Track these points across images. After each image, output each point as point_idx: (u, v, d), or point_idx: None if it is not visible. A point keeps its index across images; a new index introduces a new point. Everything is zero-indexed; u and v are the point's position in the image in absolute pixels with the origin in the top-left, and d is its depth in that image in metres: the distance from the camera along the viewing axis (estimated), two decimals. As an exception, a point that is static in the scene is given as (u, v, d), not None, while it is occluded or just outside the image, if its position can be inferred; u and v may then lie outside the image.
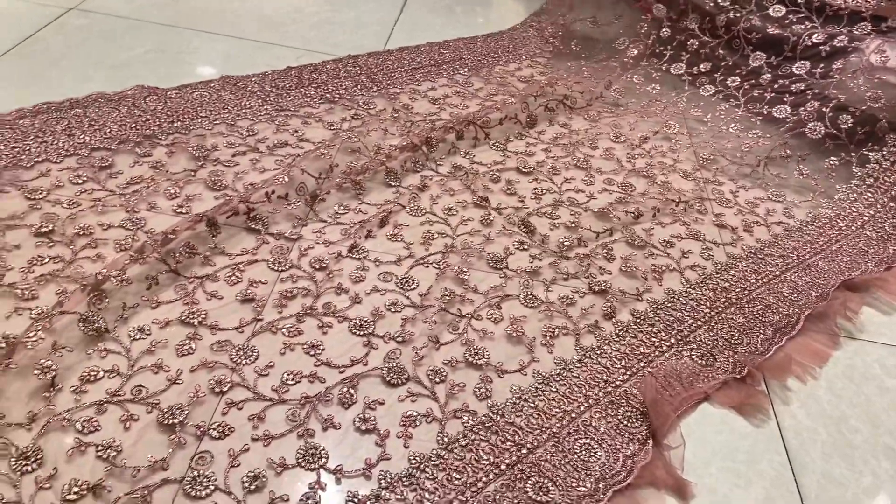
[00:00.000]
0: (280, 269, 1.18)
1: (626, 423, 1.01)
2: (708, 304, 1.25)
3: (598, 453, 0.96)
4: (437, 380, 1.03)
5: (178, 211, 1.29)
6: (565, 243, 1.32)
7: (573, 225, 1.38)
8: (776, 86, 1.77)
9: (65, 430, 0.90)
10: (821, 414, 1.10)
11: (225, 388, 0.97)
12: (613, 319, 1.19)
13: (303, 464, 0.90)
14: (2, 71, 1.62)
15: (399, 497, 0.88)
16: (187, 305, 1.09)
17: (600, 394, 1.05)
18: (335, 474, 0.90)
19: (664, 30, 1.94)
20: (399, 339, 1.07)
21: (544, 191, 1.48)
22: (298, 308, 1.11)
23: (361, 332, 1.08)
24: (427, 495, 0.88)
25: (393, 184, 1.42)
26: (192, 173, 1.38)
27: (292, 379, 1.00)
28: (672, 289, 1.28)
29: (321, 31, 2.03)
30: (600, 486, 0.92)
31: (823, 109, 1.65)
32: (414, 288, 1.18)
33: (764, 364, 1.15)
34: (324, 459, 0.91)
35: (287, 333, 1.07)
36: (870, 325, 1.28)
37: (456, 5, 2.33)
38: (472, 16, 2.28)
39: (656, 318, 1.20)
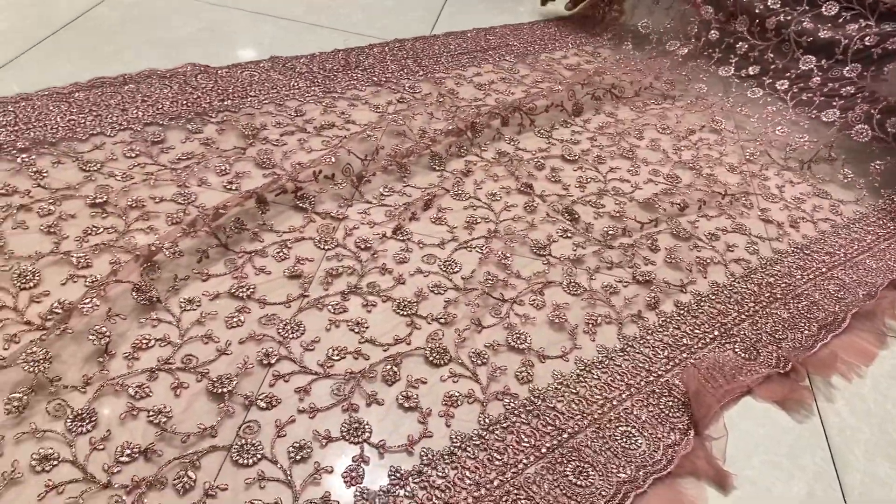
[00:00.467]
0: (326, 247, 1.20)
1: (667, 412, 1.01)
2: (752, 298, 1.24)
3: (639, 441, 0.96)
4: (479, 362, 1.04)
5: (227, 187, 1.31)
6: (609, 232, 1.32)
7: (618, 214, 1.38)
8: (826, 89, 1.73)
9: (118, 394, 0.93)
10: (865, 413, 1.09)
11: (272, 361, 1.00)
12: (657, 310, 1.19)
13: (347, 437, 0.92)
14: (58, 45, 1.66)
15: (441, 474, 0.89)
16: (236, 279, 1.11)
17: (642, 382, 1.05)
18: (378, 449, 0.92)
19: (712, 32, 1.92)
20: (442, 320, 1.08)
21: (589, 179, 1.48)
22: (344, 286, 1.13)
23: (405, 312, 1.10)
24: (468, 473, 0.90)
25: (437, 168, 1.44)
26: (242, 151, 1.41)
27: (337, 354, 1.02)
28: (716, 281, 1.27)
29: (368, 14, 2.04)
30: (640, 473, 0.92)
31: (872, 112, 1.62)
32: (457, 271, 1.19)
33: (808, 360, 1.14)
34: (367, 434, 0.93)
35: (332, 310, 1.08)
36: (918, 325, 1.27)
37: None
38: (518, 3, 2.28)
39: (700, 311, 1.20)
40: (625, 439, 0.96)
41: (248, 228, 1.21)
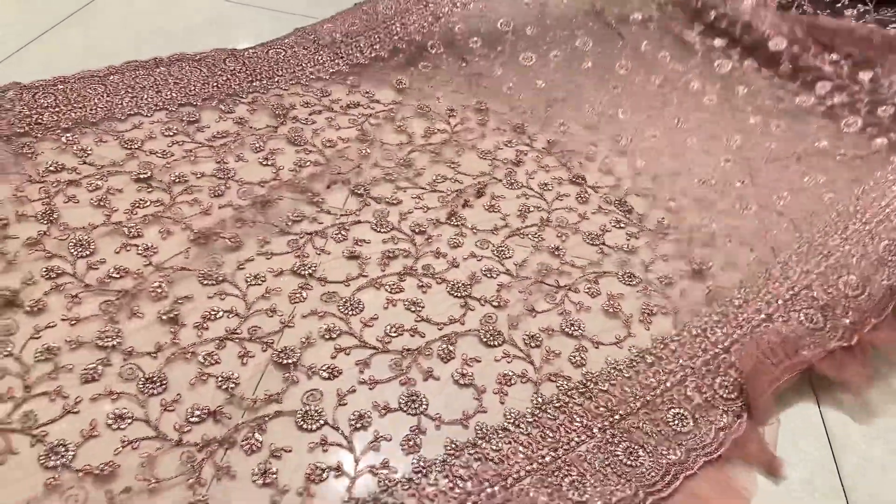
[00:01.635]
0: (382, 230, 1.35)
1: (721, 394, 1.14)
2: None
3: (690, 423, 1.10)
4: (533, 345, 1.19)
5: (263, 163, 1.46)
6: (665, 223, 1.46)
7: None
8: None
9: (188, 361, 1.07)
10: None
11: (334, 335, 1.14)
12: (716, 303, 1.29)
13: (405, 409, 1.07)
14: (60, 38, 1.79)
15: (494, 448, 1.03)
16: (298, 258, 1.26)
17: (698, 362, 1.18)
18: (435, 421, 1.06)
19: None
20: (495, 304, 1.23)
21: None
22: (399, 268, 1.28)
23: (459, 294, 1.25)
24: (521, 448, 1.03)
25: (485, 158, 1.58)
26: (274, 129, 1.56)
27: (395, 331, 1.17)
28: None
29: None
30: (691, 455, 1.06)
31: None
32: (510, 257, 1.35)
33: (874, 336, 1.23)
34: (424, 406, 1.07)
35: (389, 290, 1.23)
36: None
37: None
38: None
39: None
40: (676, 421, 1.10)
41: (307, 217, 1.36)
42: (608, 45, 1.87)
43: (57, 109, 1.49)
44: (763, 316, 1.26)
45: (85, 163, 1.39)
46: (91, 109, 1.51)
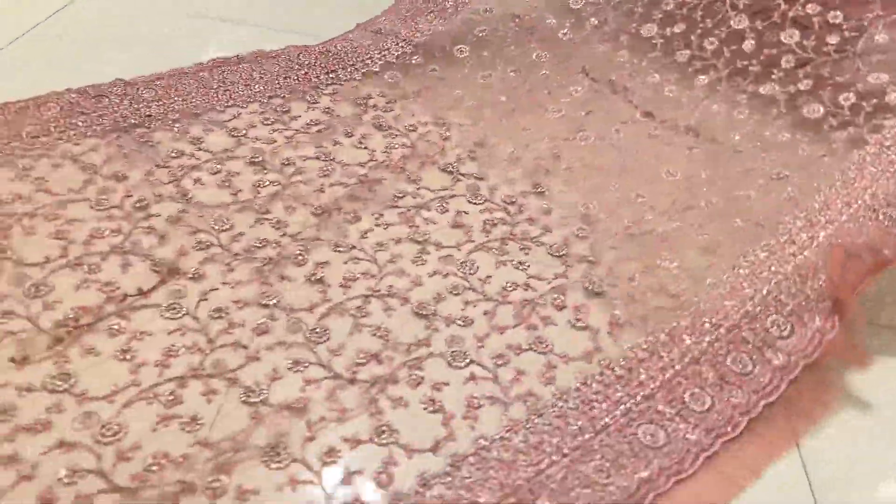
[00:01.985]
0: (477, 202, 1.51)
1: (812, 297, 1.24)
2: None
3: (788, 329, 1.21)
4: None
5: (357, 146, 1.62)
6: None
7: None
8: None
9: (342, 315, 1.23)
10: None
11: (459, 292, 1.30)
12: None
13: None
14: (15, 56, 1.83)
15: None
16: (411, 228, 1.42)
17: (788, 268, 1.30)
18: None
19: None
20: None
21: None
22: (500, 234, 1.44)
23: (558, 254, 1.41)
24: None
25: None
26: (359, 117, 1.71)
27: (510, 286, 1.33)
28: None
29: (344, 16, 2.11)
30: (791, 359, 1.18)
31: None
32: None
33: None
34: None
35: (497, 253, 1.39)
36: None
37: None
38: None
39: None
40: (775, 328, 1.22)
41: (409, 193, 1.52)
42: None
43: (161, 102, 1.62)
44: (845, 217, 1.35)
45: (200, 149, 1.53)
46: (192, 102, 1.64)
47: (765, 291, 1.29)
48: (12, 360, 1.07)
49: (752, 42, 1.76)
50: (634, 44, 1.91)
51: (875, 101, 1.58)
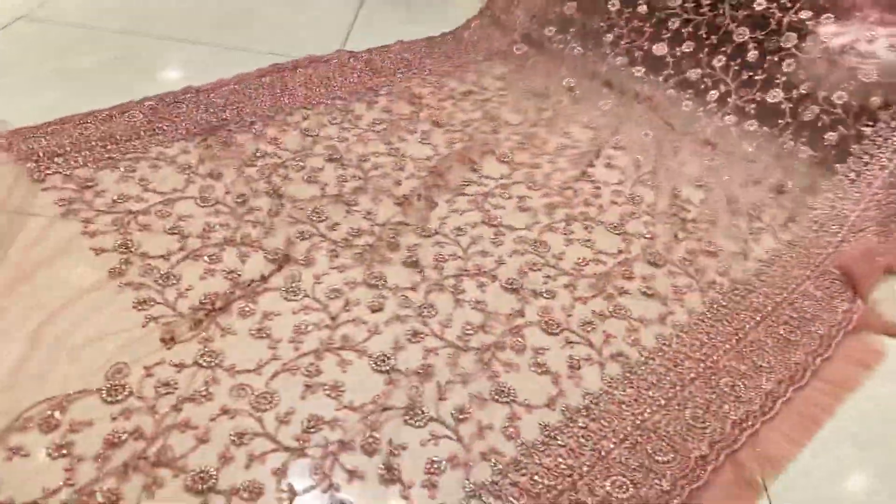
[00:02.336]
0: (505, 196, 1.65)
1: (835, 287, 1.47)
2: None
3: (819, 312, 1.41)
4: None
5: (420, 142, 1.75)
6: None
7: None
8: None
9: (442, 291, 1.36)
10: None
11: (539, 268, 1.44)
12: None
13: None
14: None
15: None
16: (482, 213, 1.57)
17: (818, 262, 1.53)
18: None
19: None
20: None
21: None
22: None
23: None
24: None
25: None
26: (416, 114, 1.84)
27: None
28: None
29: (285, 31, 2.20)
30: (832, 330, 1.37)
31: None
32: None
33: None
34: None
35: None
36: None
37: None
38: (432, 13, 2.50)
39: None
40: (808, 310, 1.41)
41: (474, 181, 1.66)
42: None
43: (234, 107, 1.74)
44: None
45: (280, 148, 1.65)
46: (261, 105, 1.76)
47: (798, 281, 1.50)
48: (162, 340, 1.17)
49: (756, 52, 1.92)
50: (648, 60, 2.08)
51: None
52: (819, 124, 1.80)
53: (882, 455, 1.18)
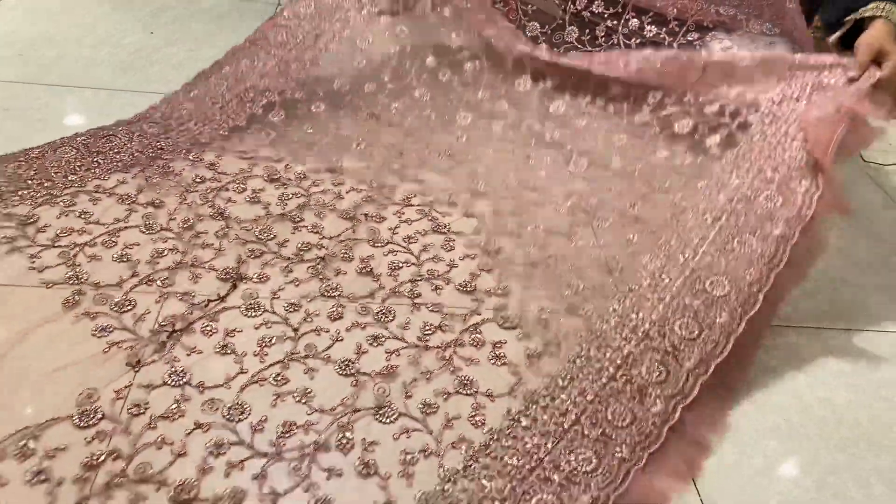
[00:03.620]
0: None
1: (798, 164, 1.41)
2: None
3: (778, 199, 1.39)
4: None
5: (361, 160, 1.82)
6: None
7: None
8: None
9: (399, 298, 1.43)
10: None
11: (489, 269, 1.53)
12: None
13: None
14: None
15: None
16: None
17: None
18: None
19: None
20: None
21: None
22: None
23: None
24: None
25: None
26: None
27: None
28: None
29: (183, 72, 2.09)
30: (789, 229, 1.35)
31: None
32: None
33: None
34: None
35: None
36: None
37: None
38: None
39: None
40: (767, 202, 1.39)
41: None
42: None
43: (167, 136, 1.79)
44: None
45: (218, 172, 1.71)
46: (195, 131, 1.81)
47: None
48: (128, 364, 1.20)
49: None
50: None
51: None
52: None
53: (805, 446, 1.26)
